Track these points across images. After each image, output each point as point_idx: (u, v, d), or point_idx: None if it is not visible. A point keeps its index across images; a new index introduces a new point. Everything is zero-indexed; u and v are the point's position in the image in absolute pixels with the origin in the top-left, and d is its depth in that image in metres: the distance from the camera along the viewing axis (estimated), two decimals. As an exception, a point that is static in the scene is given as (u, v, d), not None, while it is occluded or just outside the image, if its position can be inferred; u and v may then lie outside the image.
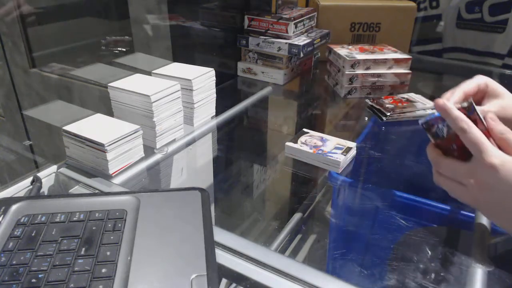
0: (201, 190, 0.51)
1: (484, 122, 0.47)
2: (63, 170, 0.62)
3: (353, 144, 0.70)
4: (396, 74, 0.97)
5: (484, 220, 0.54)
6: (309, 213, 0.63)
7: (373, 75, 0.96)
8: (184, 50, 0.93)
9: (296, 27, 1.02)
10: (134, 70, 0.86)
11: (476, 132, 0.45)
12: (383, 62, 0.96)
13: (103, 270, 0.38)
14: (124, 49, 1.02)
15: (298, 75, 1.14)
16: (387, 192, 0.63)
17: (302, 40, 1.02)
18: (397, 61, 0.97)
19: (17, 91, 1.19)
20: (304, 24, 1.07)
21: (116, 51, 1.04)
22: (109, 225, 0.44)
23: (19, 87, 1.18)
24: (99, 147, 0.58)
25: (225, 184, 0.73)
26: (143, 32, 0.92)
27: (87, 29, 1.08)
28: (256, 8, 1.08)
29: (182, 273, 0.39)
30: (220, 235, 0.47)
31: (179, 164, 0.71)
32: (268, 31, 1.04)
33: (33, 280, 0.37)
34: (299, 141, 0.71)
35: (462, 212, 0.59)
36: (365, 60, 0.95)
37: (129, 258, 0.40)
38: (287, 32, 1.01)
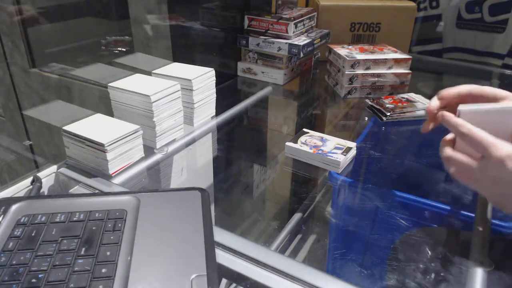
0: (201, 190, 0.51)
1: None
2: (63, 170, 0.62)
3: (353, 144, 0.70)
4: (396, 74, 0.97)
5: (484, 220, 0.54)
6: (309, 213, 0.63)
7: (373, 75, 0.96)
8: (184, 50, 0.93)
9: (296, 27, 1.02)
10: (134, 70, 0.86)
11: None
12: (383, 62, 0.96)
13: (103, 270, 0.38)
14: (124, 49, 1.02)
15: (298, 75, 1.14)
16: (387, 192, 0.63)
17: (302, 40, 1.02)
18: (397, 61, 0.97)
19: (17, 91, 1.19)
20: (304, 24, 1.07)
21: (116, 51, 1.04)
22: (109, 225, 0.44)
23: (19, 87, 1.18)
24: (99, 147, 0.58)
25: (225, 184, 0.73)
26: (143, 32, 0.92)
27: (87, 29, 1.08)
28: (256, 8, 1.08)
29: (182, 273, 0.39)
30: (220, 235, 0.47)
31: (179, 164, 0.71)
32: (268, 31, 1.04)
33: (33, 280, 0.37)
34: (299, 141, 0.71)
35: (462, 212, 0.59)
36: (365, 60, 0.95)
37: (129, 258, 0.40)
38: (287, 32, 1.01)
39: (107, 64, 1.04)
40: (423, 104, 0.88)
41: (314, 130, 0.75)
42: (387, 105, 0.87)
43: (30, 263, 0.39)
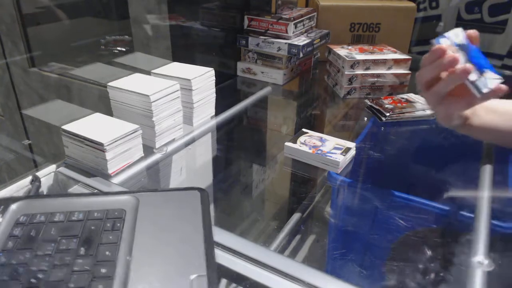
0: (200, 190, 0.51)
1: None
2: (62, 169, 0.61)
3: (352, 144, 0.70)
4: (395, 75, 0.97)
5: (484, 220, 0.54)
6: (309, 213, 0.63)
7: (372, 75, 0.96)
8: (184, 50, 0.93)
9: (296, 27, 1.02)
10: (134, 69, 0.86)
11: None
12: (383, 62, 0.96)
13: (103, 270, 0.38)
14: (124, 49, 1.02)
15: (298, 75, 1.14)
16: (387, 192, 0.63)
17: (301, 40, 1.02)
18: (396, 62, 0.97)
19: (16, 90, 1.19)
20: (304, 24, 1.07)
21: (115, 51, 1.04)
22: (108, 225, 0.44)
23: (19, 86, 1.18)
24: (98, 147, 0.58)
25: (225, 184, 0.73)
26: (143, 32, 0.92)
27: (87, 29, 1.08)
28: (256, 8, 1.08)
29: (182, 273, 0.39)
30: (220, 235, 0.47)
31: (179, 164, 0.71)
32: (268, 31, 1.04)
33: (32, 280, 0.37)
34: (298, 141, 0.71)
35: (462, 212, 0.59)
36: (364, 61, 0.95)
37: (128, 258, 0.40)
38: (286, 32, 1.01)
39: (106, 63, 1.04)
40: (422, 105, 0.88)
41: (313, 130, 0.75)
42: (387, 106, 0.87)
43: (29, 263, 0.39)
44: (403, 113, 0.86)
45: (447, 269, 0.50)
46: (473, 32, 0.52)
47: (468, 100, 0.52)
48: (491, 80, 0.51)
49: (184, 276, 0.38)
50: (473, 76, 0.50)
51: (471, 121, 0.58)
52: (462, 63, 0.51)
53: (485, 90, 0.50)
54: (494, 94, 0.50)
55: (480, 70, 0.51)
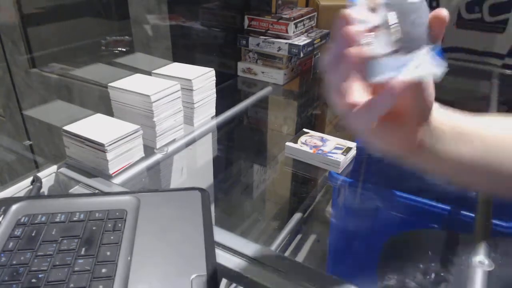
0: (201, 190, 0.51)
1: None
2: (63, 170, 0.62)
3: (353, 144, 0.70)
4: (396, 74, 0.97)
5: (485, 220, 0.54)
6: (309, 213, 0.63)
7: (373, 75, 0.96)
8: (184, 50, 0.93)
9: (296, 27, 1.02)
10: (134, 70, 0.86)
11: None
12: (383, 62, 0.96)
13: (103, 270, 0.38)
14: (124, 49, 1.02)
15: (298, 75, 1.14)
16: (387, 192, 0.63)
17: (302, 40, 1.02)
18: (397, 61, 0.96)
19: (17, 91, 1.19)
20: (304, 24, 1.07)
21: (116, 51, 1.04)
22: (109, 225, 0.44)
23: (19, 87, 1.18)
24: (99, 147, 0.58)
25: (225, 184, 0.73)
26: (143, 32, 0.92)
27: (87, 29, 1.08)
28: (256, 8, 1.08)
29: (182, 273, 0.39)
30: (220, 235, 0.47)
31: (179, 164, 0.71)
32: (268, 31, 1.04)
33: (33, 280, 0.37)
34: (299, 141, 0.71)
35: (462, 212, 0.59)
36: (365, 60, 0.95)
37: (129, 258, 0.40)
38: (287, 32, 1.01)
39: (107, 64, 1.04)
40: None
41: (314, 130, 0.75)
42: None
43: (30, 263, 0.39)
44: (404, 112, 0.85)
45: (448, 268, 0.50)
46: None
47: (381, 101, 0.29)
48: (421, 66, 0.29)
49: (185, 276, 0.38)
50: (381, 48, 0.28)
51: (431, 147, 0.34)
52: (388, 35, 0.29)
53: (374, 79, 0.28)
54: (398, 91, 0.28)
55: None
